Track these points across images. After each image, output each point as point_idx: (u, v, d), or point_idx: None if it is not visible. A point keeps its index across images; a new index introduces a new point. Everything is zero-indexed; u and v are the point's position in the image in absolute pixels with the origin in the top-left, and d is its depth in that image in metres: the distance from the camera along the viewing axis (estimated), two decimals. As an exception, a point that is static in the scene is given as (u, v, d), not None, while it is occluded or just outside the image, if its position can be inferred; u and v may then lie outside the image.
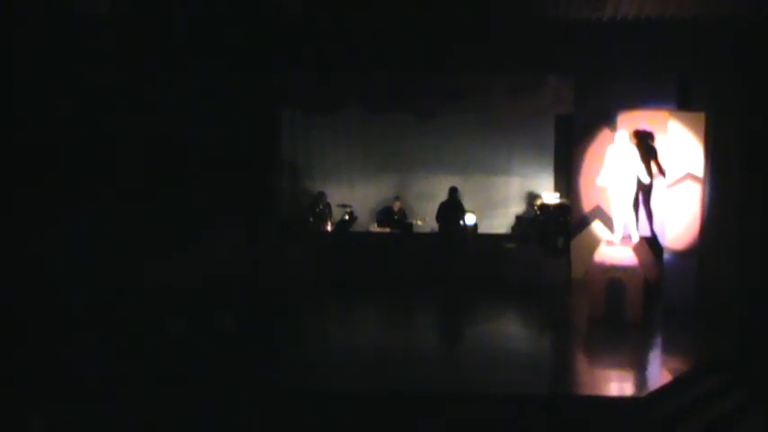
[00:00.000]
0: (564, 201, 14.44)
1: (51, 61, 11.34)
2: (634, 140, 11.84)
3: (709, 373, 9.42)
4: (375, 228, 15.05)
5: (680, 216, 11.68)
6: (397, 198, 15.19)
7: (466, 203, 14.37)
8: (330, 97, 13.74)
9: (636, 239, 11.67)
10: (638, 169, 11.49)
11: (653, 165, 12.05)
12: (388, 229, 14.84)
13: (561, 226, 14.20)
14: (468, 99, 13.59)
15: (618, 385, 9.29)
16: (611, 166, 11.57)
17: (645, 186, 11.92)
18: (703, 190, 11.60)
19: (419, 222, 14.79)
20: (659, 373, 9.71)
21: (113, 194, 11.83)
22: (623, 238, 11.72)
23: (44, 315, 10.51)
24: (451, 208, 13.90)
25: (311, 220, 14.78)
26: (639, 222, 12.01)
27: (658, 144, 12.16)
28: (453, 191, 13.88)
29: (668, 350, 10.68)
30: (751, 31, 10.78)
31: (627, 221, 11.71)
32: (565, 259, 13.83)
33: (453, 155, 15.29)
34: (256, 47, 12.60)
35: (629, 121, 12.32)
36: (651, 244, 12.20)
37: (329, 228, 14.85)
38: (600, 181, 11.82)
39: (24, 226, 11.13)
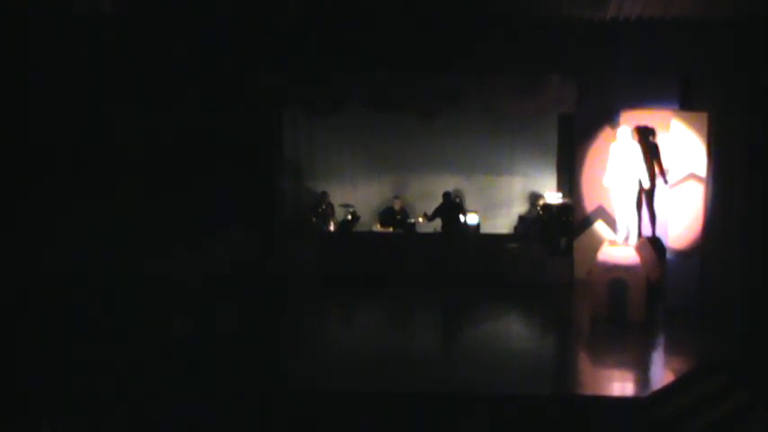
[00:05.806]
0: (567, 200, 14.41)
1: (52, 61, 11.35)
2: (636, 137, 11.71)
3: (711, 373, 9.39)
4: (378, 227, 15.05)
5: (682, 216, 11.67)
6: (397, 197, 15.19)
7: (468, 203, 14.38)
8: (332, 97, 13.76)
9: (633, 241, 11.61)
10: (639, 170, 11.42)
11: (655, 164, 11.91)
12: (390, 229, 14.84)
13: (564, 226, 14.17)
14: (471, 99, 13.59)
15: (620, 385, 9.29)
16: (614, 164, 11.51)
17: (647, 187, 11.85)
18: (706, 190, 11.58)
19: (421, 220, 14.78)
20: (662, 374, 9.73)
21: (115, 195, 11.83)
22: (626, 237, 11.70)
23: (46, 315, 10.51)
24: (449, 210, 13.92)
25: (314, 220, 14.78)
26: (642, 223, 11.95)
27: (660, 142, 12.00)
28: (447, 195, 13.90)
29: (671, 350, 10.66)
30: (752, 30, 10.76)
31: (629, 222, 11.67)
32: (567, 259, 13.81)
33: (456, 155, 15.27)
34: (257, 47, 12.60)
35: (631, 121, 12.27)
36: (654, 244, 12.16)
37: (332, 228, 14.86)
38: (606, 181, 11.74)
39: (25, 228, 11.13)
